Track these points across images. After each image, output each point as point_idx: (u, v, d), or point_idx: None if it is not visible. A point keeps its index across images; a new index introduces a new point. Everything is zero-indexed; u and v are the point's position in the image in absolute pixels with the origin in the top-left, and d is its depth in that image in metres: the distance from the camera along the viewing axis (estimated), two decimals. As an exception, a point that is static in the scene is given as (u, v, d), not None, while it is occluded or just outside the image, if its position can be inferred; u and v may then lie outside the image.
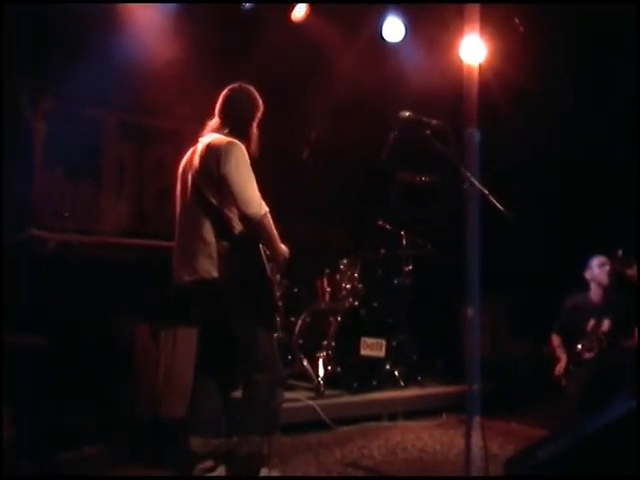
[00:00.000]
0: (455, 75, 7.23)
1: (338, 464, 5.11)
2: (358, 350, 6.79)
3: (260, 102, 4.63)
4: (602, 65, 7.32)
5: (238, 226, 4.31)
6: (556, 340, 6.64)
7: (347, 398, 6.46)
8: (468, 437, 4.18)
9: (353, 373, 6.70)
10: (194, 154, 4.47)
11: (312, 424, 5.84)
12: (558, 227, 7.69)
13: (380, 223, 7.39)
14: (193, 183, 4.41)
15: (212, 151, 4.33)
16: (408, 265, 7.38)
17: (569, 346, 6.55)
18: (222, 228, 4.31)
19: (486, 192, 4.30)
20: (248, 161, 4.32)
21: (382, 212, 7.44)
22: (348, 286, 6.94)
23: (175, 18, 6.77)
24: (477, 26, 7.07)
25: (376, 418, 6.35)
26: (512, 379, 7.33)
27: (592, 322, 6.47)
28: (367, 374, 6.77)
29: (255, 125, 4.58)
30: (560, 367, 6.46)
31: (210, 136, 4.47)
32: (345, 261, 6.98)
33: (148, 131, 7.42)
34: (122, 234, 6.47)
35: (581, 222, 7.45)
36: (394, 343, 7.06)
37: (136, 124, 7.33)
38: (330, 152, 7.24)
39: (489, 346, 7.63)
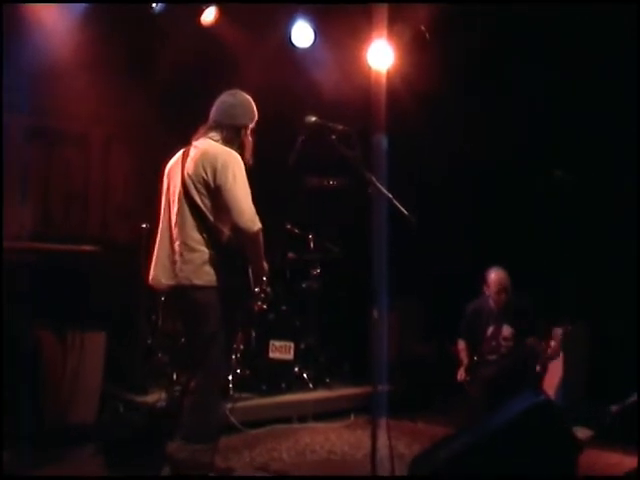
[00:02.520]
0: (364, 81, 7.34)
1: (247, 467, 5.15)
2: (267, 353, 6.83)
3: (255, 111, 4.61)
4: (510, 71, 7.48)
5: (225, 237, 4.30)
6: (461, 344, 6.79)
7: (256, 401, 6.49)
8: (374, 437, 4.24)
9: (262, 376, 6.74)
10: (186, 158, 4.41)
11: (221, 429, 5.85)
12: (467, 232, 7.86)
13: (288, 227, 7.44)
14: (184, 188, 4.35)
15: (208, 159, 4.29)
16: (316, 269, 7.44)
17: (473, 350, 6.72)
18: (209, 237, 4.29)
19: (390, 196, 4.37)
20: (244, 173, 4.32)
21: (290, 216, 7.50)
22: (256, 290, 6.95)
23: (82, 20, 6.66)
24: (385, 32, 7.20)
25: (285, 420, 6.41)
26: (420, 380, 7.45)
27: (491, 328, 6.64)
28: (276, 377, 6.82)
29: (249, 133, 4.55)
30: (462, 371, 6.61)
31: (205, 142, 4.42)
32: (253, 265, 6.98)
33: (55, 134, 7.29)
34: (28, 238, 6.36)
35: (490, 227, 7.63)
36: (302, 346, 7.12)
37: (43, 127, 7.19)
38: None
39: (397, 348, 7.75)
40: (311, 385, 7.04)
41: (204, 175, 4.26)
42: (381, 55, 7.29)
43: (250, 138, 4.58)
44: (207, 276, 4.26)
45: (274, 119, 7.55)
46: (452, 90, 7.65)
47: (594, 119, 7.03)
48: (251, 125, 4.58)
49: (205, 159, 4.30)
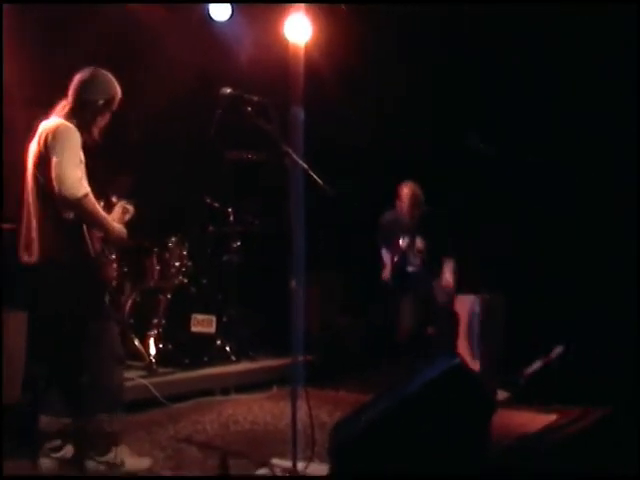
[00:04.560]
0: (282, 54, 7.35)
1: (172, 440, 5.17)
2: (189, 327, 6.85)
3: (112, 88, 4.53)
4: (428, 40, 7.61)
5: (66, 210, 4.28)
6: (383, 251, 7.03)
7: (179, 375, 6.51)
8: (294, 406, 4.31)
9: (184, 350, 6.75)
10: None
11: (145, 402, 5.86)
12: (387, 203, 7.96)
13: (208, 201, 7.44)
14: (31, 166, 4.38)
15: (44, 134, 4.30)
16: (236, 242, 7.48)
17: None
18: (52, 211, 4.28)
19: (306, 167, 4.43)
20: (77, 144, 4.28)
21: (210, 190, 7.49)
22: (177, 264, 6.96)
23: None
24: (302, 5, 7.22)
25: (209, 393, 6.45)
26: (341, 350, 7.58)
27: (406, 240, 6.79)
28: (198, 350, 6.84)
29: (100, 111, 4.48)
30: (386, 271, 6.82)
31: (52, 119, 4.40)
32: (173, 239, 6.99)
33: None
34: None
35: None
36: (224, 319, 7.16)
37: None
38: (159, 132, 7.22)
39: (318, 319, 7.85)
40: (233, 357, 7.10)
41: (41, 150, 4.30)
42: (298, 28, 7.30)
43: (101, 114, 4.51)
44: (48, 251, 4.30)
45: (194, 93, 7.59)
46: (372, 61, 7.75)
47: (509, 84, 7.26)
48: (101, 101, 4.47)
49: (42, 134, 4.33)
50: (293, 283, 4.40)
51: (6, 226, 5.73)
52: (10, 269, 5.49)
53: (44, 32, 6.82)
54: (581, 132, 7.07)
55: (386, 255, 6.98)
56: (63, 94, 4.55)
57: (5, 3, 5.65)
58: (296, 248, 4.56)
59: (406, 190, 6.85)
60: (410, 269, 6.85)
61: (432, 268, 6.87)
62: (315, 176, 4.43)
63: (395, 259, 6.87)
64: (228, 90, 4.56)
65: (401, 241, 6.81)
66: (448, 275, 6.79)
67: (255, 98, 4.53)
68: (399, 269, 6.85)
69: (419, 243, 6.84)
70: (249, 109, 4.52)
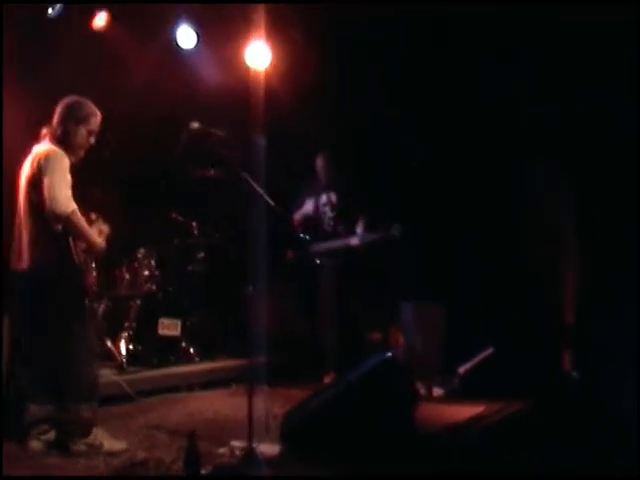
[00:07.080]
0: (243, 80, 7.81)
1: (143, 428, 5.76)
2: (156, 330, 7.52)
3: (92, 113, 5.12)
4: (391, 67, 8.12)
5: (56, 227, 4.90)
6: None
7: (148, 373, 7.11)
8: (250, 400, 4.90)
9: (153, 351, 7.41)
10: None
11: (117, 397, 6.43)
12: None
13: (173, 216, 8.10)
14: (24, 186, 5.01)
15: (36, 159, 4.94)
16: (200, 253, 8.15)
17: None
18: (43, 225, 4.89)
19: (261, 192, 5.11)
20: (65, 166, 4.90)
21: (175, 206, 8.15)
22: (146, 273, 7.56)
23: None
24: (262, 32, 7.62)
25: (175, 390, 7.07)
26: (295, 353, 8.21)
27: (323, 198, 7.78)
28: (165, 351, 7.51)
29: (84, 134, 5.08)
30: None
31: (41, 144, 5.04)
32: (142, 251, 7.62)
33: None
34: None
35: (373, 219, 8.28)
36: (189, 323, 7.81)
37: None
38: (129, 153, 7.69)
39: (275, 324, 8.42)
40: (197, 358, 7.76)
41: (34, 172, 4.91)
42: (259, 55, 7.74)
43: (84, 140, 5.11)
44: (37, 260, 4.91)
45: (162, 116, 8.07)
46: (331, 86, 8.30)
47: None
48: (82, 125, 5.07)
49: (34, 159, 4.95)
50: (249, 289, 5.06)
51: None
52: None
53: (22, 63, 6.92)
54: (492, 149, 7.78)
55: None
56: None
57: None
58: (255, 259, 5.15)
59: (320, 161, 7.68)
60: (325, 227, 7.78)
61: (346, 224, 7.70)
62: (269, 200, 5.11)
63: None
64: (196, 125, 5.22)
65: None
66: (360, 230, 7.66)
67: (220, 132, 5.20)
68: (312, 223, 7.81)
69: (333, 197, 7.74)
70: (214, 140, 5.19)
